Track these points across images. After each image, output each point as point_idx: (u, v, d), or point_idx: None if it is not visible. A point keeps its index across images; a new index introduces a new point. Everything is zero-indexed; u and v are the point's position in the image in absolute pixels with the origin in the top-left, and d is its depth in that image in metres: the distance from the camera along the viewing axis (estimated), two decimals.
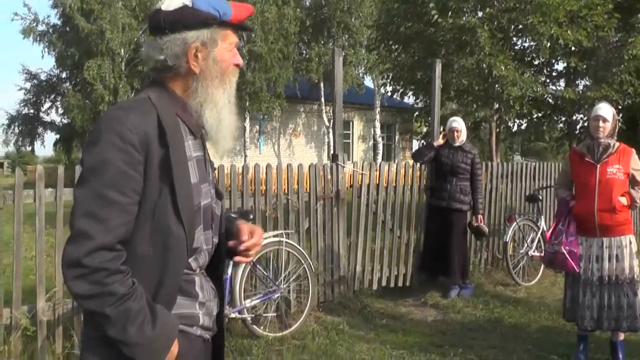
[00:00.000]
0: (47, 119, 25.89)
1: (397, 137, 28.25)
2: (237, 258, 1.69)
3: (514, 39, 13.51)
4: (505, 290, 6.45)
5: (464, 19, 11.97)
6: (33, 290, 4.14)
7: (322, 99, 24.18)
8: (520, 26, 12.43)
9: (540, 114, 14.50)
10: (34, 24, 23.08)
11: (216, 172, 1.71)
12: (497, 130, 13.78)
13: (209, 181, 1.63)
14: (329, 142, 24.72)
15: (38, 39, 23.09)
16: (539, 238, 6.86)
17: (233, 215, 1.82)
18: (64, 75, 24.85)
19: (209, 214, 1.61)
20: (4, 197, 3.93)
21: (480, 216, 6.27)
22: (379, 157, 25.39)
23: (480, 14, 12.56)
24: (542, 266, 6.79)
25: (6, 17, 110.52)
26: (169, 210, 1.45)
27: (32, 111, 25.48)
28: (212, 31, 1.52)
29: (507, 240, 6.62)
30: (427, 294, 6.08)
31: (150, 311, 1.41)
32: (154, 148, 1.44)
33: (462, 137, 6.21)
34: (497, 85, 12.28)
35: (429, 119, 7.76)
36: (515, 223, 6.75)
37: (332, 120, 6.18)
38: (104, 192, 1.38)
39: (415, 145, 28.08)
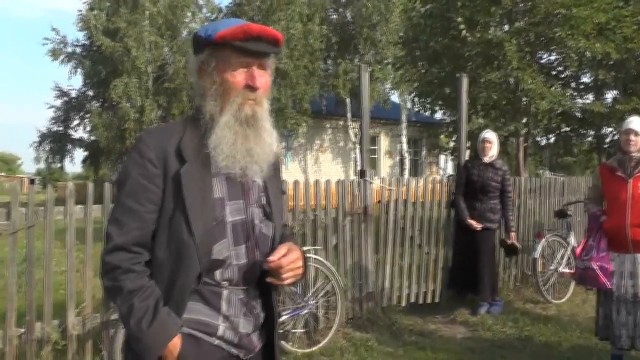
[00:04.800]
0: (75, 136, 26.38)
1: (423, 153, 28.09)
2: (268, 279, 1.66)
3: (541, 52, 13.40)
4: (535, 308, 6.33)
5: (490, 33, 11.91)
6: (63, 304, 4.19)
7: (349, 115, 24.18)
8: (548, 40, 12.32)
9: (568, 128, 14.33)
10: (62, 46, 23.65)
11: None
12: (525, 144, 13.64)
13: (245, 199, 1.68)
14: (355, 158, 24.68)
15: (66, 59, 23.63)
16: (568, 254, 6.72)
17: (289, 237, 1.83)
18: (91, 93, 25.31)
19: (243, 230, 1.65)
20: (36, 213, 4.00)
21: (512, 234, 6.18)
22: (406, 173, 25.25)
23: (507, 27, 12.50)
24: (573, 283, 6.64)
25: (37, 40, 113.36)
26: (181, 221, 1.57)
27: (61, 129, 25.95)
28: (207, 53, 1.64)
29: (537, 256, 6.50)
30: (456, 311, 5.99)
31: (153, 310, 1.55)
32: (171, 164, 1.59)
33: (492, 151, 6.10)
34: (524, 99, 12.17)
35: (457, 134, 7.70)
36: (544, 239, 6.63)
37: (358, 136, 6.16)
38: (125, 201, 1.59)
39: (442, 160, 27.95)
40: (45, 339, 3.99)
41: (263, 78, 1.66)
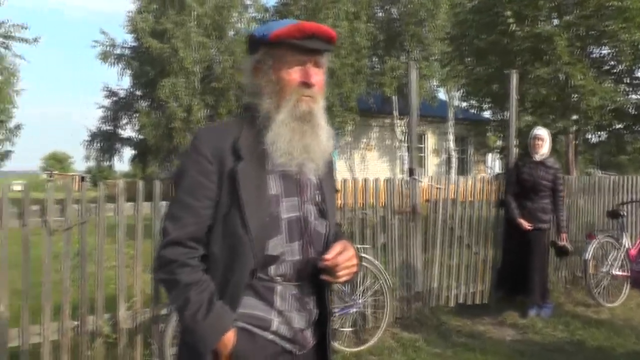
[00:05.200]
0: (124, 135, 27.00)
1: (471, 151, 27.67)
2: (322, 276, 1.68)
3: (592, 46, 12.99)
4: (586, 311, 6.13)
5: (539, 27, 11.62)
6: (113, 299, 4.29)
7: (395, 113, 24.03)
8: (599, 33, 11.93)
9: (621, 125, 13.84)
10: (111, 48, 24.23)
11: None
12: (575, 142, 13.26)
13: (300, 196, 1.70)
14: (401, 156, 24.51)
15: (115, 61, 24.21)
16: (622, 256, 6.50)
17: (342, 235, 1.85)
18: (139, 93, 25.86)
19: (298, 227, 1.67)
20: (89, 210, 4.10)
21: (564, 234, 6.00)
22: (453, 171, 24.95)
23: (556, 21, 12.17)
24: (627, 286, 6.43)
25: (86, 43, 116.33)
26: (236, 217, 1.59)
27: (110, 128, 26.60)
28: (262, 53, 1.67)
29: (588, 258, 6.30)
30: (505, 313, 5.87)
31: (208, 303, 1.57)
32: (227, 161, 1.61)
33: (544, 148, 5.94)
34: (574, 96, 11.83)
35: (505, 132, 7.54)
36: (595, 240, 6.41)
37: (405, 134, 6.12)
38: (181, 196, 1.63)
39: (490, 159, 27.46)
40: (98, 331, 4.10)
41: (318, 76, 1.68)
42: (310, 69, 1.66)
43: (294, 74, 1.64)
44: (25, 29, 13.57)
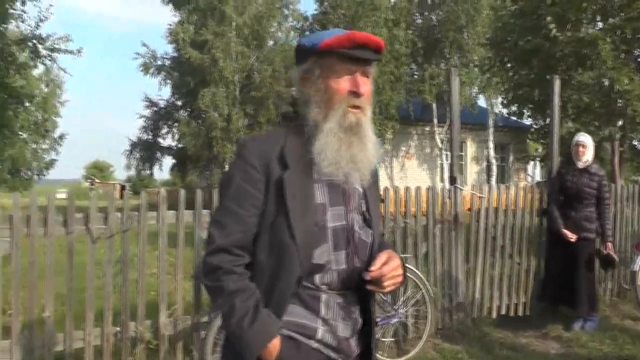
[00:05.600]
0: (164, 144, 27.50)
1: (511, 159, 27.21)
2: (368, 286, 1.67)
3: (639, 50, 12.61)
4: (635, 325, 5.91)
5: (583, 31, 11.34)
6: (154, 306, 4.34)
7: (435, 120, 23.84)
8: None
9: None
10: (152, 60, 24.76)
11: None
12: (621, 149, 12.88)
13: (346, 206, 1.70)
14: (441, 164, 24.27)
15: (156, 72, 24.72)
16: None
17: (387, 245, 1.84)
18: (179, 103, 26.30)
19: (344, 236, 1.67)
20: (130, 218, 4.16)
21: (609, 244, 5.79)
22: (493, 179, 24.57)
23: (600, 24, 11.87)
24: None
25: (128, 56, 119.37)
26: (283, 225, 1.59)
27: (150, 137, 27.11)
28: (311, 62, 1.67)
29: (636, 269, 6.10)
30: (548, 325, 5.70)
31: (254, 311, 1.58)
32: (273, 170, 1.62)
33: (587, 155, 5.77)
34: (620, 101, 11.48)
35: (547, 139, 7.37)
36: None
37: (444, 142, 6.04)
38: (227, 204, 1.64)
39: (530, 167, 26.93)
40: (139, 338, 4.16)
41: (366, 85, 1.68)
42: (359, 78, 1.66)
43: (343, 83, 1.65)
44: (70, 41, 13.97)
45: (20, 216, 3.83)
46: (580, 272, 5.64)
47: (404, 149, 24.93)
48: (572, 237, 5.65)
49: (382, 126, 21.40)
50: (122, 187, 36.43)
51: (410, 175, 24.26)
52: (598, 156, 14.86)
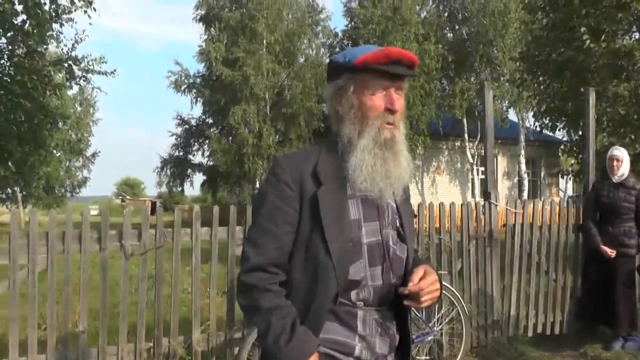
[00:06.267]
0: (195, 161, 27.83)
1: (542, 173, 26.78)
2: (406, 302, 1.66)
3: None
4: None
5: (618, 42, 11.14)
6: (187, 322, 4.35)
7: (466, 135, 23.64)
8: None
9: None
10: (183, 78, 25.15)
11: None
12: None
13: (381, 221, 1.69)
14: (472, 179, 24.01)
15: (187, 90, 25.12)
16: None
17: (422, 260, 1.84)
18: (210, 120, 26.63)
19: (379, 252, 1.66)
20: (164, 235, 4.20)
21: None
22: (524, 195, 24.22)
23: (637, 35, 11.64)
24: None
25: (161, 74, 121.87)
26: (318, 242, 1.59)
27: (182, 154, 27.48)
28: (346, 78, 1.66)
29: None
30: (586, 345, 5.53)
31: (291, 329, 1.56)
32: (307, 186, 1.62)
33: (622, 169, 5.62)
34: None
35: (581, 154, 7.20)
36: None
37: (476, 157, 5.95)
38: (261, 222, 1.63)
39: (562, 182, 26.44)
40: (172, 353, 4.17)
41: (400, 101, 1.69)
42: (393, 94, 1.66)
43: (378, 100, 1.65)
44: (105, 62, 14.24)
45: (56, 233, 3.90)
46: (619, 289, 5.46)
47: (434, 164, 24.78)
48: (611, 253, 5.49)
49: (412, 141, 21.33)
50: (153, 204, 36.94)
51: (440, 191, 24.08)
52: (635, 170, 14.57)
